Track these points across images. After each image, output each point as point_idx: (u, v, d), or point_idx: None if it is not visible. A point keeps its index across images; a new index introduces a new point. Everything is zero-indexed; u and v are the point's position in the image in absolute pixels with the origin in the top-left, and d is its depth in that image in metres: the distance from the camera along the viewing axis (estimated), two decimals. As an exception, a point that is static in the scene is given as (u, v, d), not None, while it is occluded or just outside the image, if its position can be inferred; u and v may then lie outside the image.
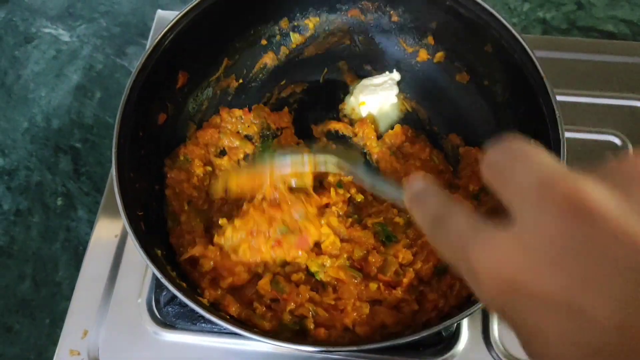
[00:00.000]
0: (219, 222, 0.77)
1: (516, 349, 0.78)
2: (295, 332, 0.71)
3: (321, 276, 0.75)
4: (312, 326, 0.71)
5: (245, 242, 0.74)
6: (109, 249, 0.87)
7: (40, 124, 1.12)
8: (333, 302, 0.72)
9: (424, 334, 0.64)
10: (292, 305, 0.72)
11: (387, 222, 0.81)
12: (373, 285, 0.73)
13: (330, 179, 0.84)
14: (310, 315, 0.71)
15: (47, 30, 1.23)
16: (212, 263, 0.76)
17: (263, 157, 0.82)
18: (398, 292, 0.73)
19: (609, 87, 1.00)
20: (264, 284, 0.74)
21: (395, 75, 0.97)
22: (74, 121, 1.12)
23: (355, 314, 0.71)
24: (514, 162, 0.29)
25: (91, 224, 0.99)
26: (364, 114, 0.95)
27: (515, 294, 0.27)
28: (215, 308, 0.72)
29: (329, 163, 0.74)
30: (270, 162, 0.76)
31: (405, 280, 0.74)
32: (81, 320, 0.82)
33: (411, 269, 0.75)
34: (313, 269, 0.76)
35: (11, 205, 1.04)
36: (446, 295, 0.74)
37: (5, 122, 1.12)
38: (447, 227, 0.33)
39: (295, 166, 0.75)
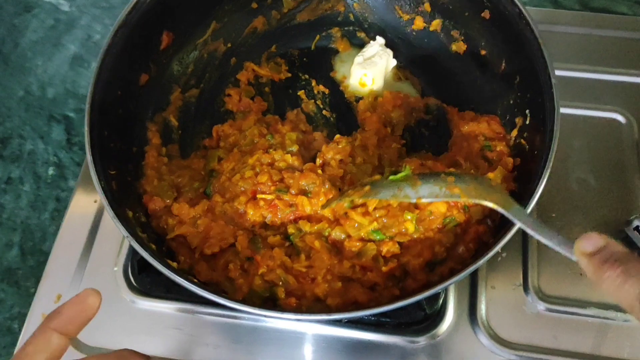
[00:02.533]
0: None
1: (503, 330, 0.75)
2: (265, 300, 0.69)
3: (296, 240, 0.73)
4: (282, 295, 0.68)
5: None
6: (87, 214, 0.85)
7: (36, 92, 1.11)
8: (304, 270, 0.70)
9: (389, 307, 0.61)
10: (264, 268, 0.70)
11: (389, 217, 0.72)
12: (347, 263, 0.70)
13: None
14: (281, 283, 0.69)
15: (47, -1, 1.22)
16: (198, 240, 0.74)
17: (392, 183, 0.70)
18: (373, 276, 0.70)
19: (614, 64, 0.96)
20: (242, 240, 0.72)
21: (380, 40, 0.93)
22: (69, 91, 1.11)
23: (326, 285, 0.69)
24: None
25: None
26: (369, 84, 0.91)
27: None
28: (185, 273, 0.70)
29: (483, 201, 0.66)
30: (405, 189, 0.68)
31: (385, 269, 0.70)
32: (55, 285, 0.80)
33: (395, 260, 0.71)
34: (290, 231, 0.74)
35: (2, 173, 1.03)
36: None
37: (0, 90, 1.12)
38: None
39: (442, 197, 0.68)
